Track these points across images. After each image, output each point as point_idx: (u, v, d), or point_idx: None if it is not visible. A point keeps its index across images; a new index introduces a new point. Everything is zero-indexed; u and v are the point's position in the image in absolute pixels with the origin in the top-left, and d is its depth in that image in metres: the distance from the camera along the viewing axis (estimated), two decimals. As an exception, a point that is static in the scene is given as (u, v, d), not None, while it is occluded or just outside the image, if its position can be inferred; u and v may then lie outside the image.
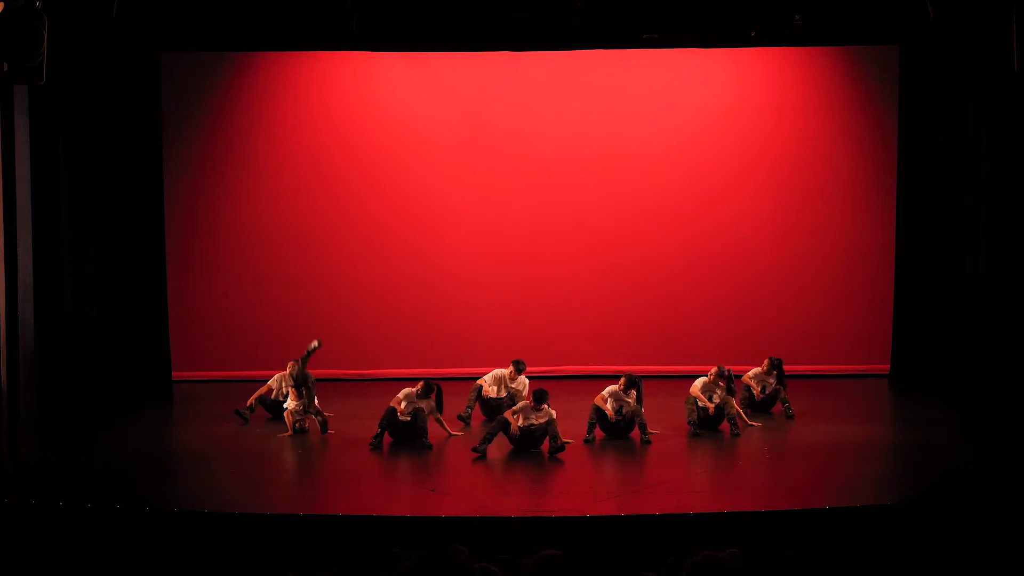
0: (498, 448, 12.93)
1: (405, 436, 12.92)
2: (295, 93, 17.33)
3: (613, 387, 13.35)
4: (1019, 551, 8.65)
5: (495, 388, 14.35)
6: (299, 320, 17.30)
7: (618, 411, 13.23)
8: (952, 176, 14.24)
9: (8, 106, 12.05)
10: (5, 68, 11.11)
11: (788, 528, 9.66)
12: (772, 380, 14.48)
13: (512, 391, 14.26)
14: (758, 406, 14.38)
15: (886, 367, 16.49)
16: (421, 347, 17.13)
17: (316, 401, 13.90)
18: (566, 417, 13.75)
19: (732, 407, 13.56)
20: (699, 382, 13.74)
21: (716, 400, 13.61)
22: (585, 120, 17.28)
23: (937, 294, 14.88)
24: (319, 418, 13.66)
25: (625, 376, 13.44)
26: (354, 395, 16.00)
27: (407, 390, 13.13)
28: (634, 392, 13.35)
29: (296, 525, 9.96)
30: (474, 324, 17.12)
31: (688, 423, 13.46)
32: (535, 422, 12.59)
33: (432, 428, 12.98)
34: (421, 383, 13.14)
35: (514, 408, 12.92)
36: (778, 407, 14.37)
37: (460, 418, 13.94)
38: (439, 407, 13.18)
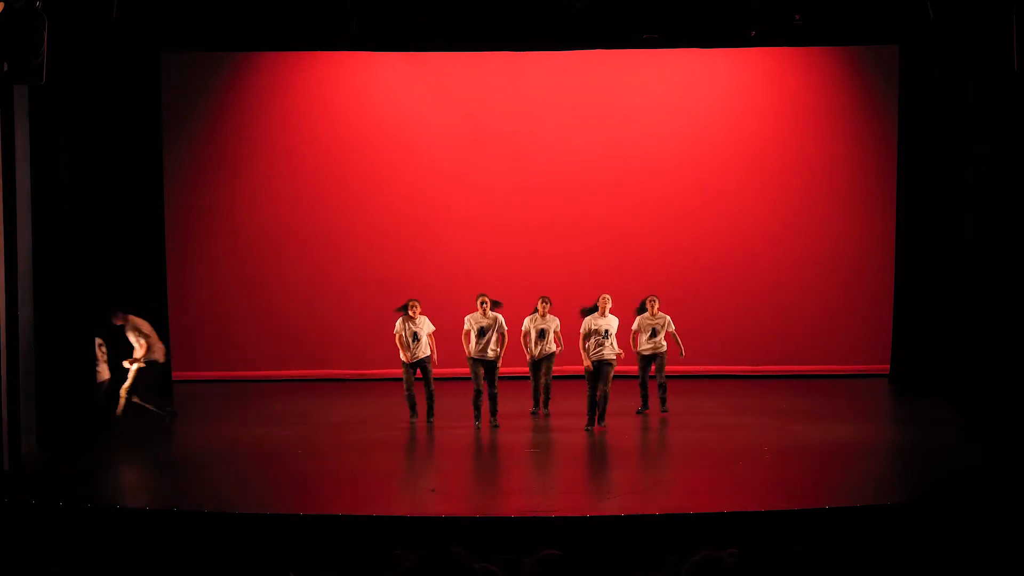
0: (497, 448, 12.95)
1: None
2: (295, 93, 17.34)
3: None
4: (1019, 551, 8.66)
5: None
6: (299, 320, 17.31)
7: (541, 335, 13.97)
8: (952, 176, 14.24)
9: (8, 106, 12.05)
10: (5, 68, 11.10)
11: (788, 528, 9.64)
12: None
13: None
14: None
15: (886, 367, 16.50)
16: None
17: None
18: (565, 416, 13.78)
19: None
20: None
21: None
22: (585, 120, 17.29)
23: (937, 294, 14.87)
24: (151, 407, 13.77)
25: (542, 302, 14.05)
26: (354, 395, 16.01)
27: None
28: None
29: (296, 525, 9.96)
30: (474, 324, 17.12)
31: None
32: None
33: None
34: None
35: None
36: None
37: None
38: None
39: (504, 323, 13.69)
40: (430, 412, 13.93)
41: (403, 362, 13.91)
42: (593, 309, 13.52)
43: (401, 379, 13.99)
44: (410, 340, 13.83)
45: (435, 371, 13.99)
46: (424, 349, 13.86)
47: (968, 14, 13.30)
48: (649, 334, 14.19)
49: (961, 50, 13.72)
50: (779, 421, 14.03)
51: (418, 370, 13.92)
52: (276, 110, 17.35)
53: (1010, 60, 11.67)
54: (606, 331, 13.39)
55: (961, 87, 13.79)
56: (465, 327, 13.75)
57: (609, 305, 13.50)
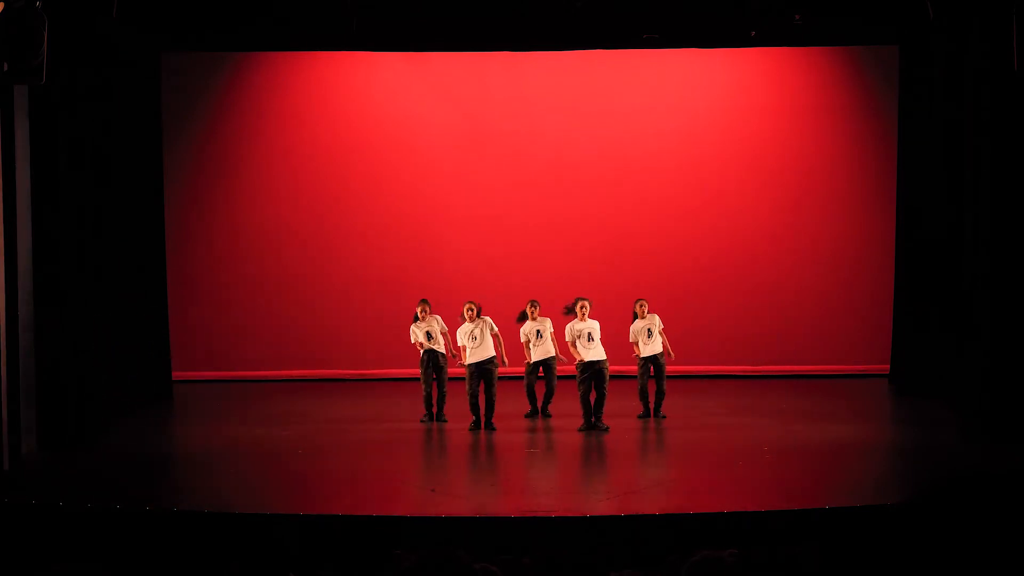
0: (497, 448, 12.95)
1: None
2: (295, 93, 17.34)
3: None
4: (1019, 551, 8.66)
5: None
6: (299, 320, 17.31)
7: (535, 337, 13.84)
8: (952, 176, 14.23)
9: (8, 106, 12.04)
10: (5, 68, 11.10)
11: (788, 528, 9.64)
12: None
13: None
14: None
15: (886, 367, 16.49)
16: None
17: None
18: (565, 416, 13.77)
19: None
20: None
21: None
22: (585, 120, 17.29)
23: (937, 294, 14.87)
24: None
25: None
26: (354, 395, 16.00)
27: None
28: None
29: (296, 525, 9.95)
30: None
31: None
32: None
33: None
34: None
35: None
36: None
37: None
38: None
39: (493, 323, 13.63)
40: (439, 414, 13.90)
41: (421, 358, 13.84)
42: (572, 310, 13.54)
43: (418, 378, 13.97)
44: (425, 340, 13.78)
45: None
46: (439, 346, 13.82)
47: (968, 14, 13.30)
48: (646, 335, 14.05)
49: (961, 50, 13.72)
50: (779, 421, 14.02)
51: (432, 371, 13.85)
52: (276, 110, 17.36)
53: (1010, 60, 11.66)
54: (589, 334, 13.41)
55: (961, 87, 13.78)
56: (460, 342, 13.66)
57: (587, 311, 13.48)
